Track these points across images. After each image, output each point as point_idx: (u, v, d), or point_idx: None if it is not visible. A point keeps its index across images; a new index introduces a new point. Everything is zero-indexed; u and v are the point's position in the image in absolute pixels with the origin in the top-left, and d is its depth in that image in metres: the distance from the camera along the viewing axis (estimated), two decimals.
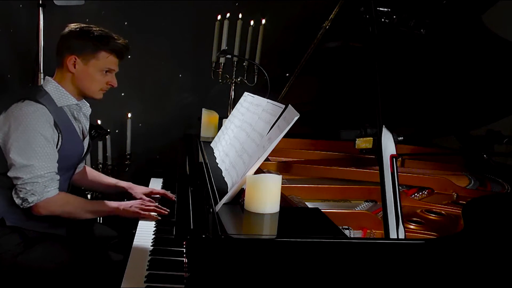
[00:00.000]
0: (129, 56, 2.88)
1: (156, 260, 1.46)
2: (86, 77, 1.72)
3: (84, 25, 1.73)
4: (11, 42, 2.90)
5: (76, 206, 1.72)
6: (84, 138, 1.85)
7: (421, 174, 1.91)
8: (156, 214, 1.76)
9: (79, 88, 1.75)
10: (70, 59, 1.70)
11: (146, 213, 1.75)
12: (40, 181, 1.60)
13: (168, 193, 2.00)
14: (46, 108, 1.64)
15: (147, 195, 1.98)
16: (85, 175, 2.05)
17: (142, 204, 1.78)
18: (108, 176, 2.17)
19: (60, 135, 1.68)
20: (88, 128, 1.90)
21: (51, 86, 1.73)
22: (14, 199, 1.61)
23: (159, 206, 1.80)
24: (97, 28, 1.72)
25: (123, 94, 3.00)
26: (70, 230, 1.76)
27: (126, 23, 2.92)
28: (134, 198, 1.95)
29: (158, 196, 2.00)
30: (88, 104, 1.87)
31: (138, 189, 2.01)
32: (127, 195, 2.02)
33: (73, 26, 1.73)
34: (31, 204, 1.60)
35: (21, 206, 1.61)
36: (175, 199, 1.95)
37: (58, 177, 1.67)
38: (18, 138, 1.59)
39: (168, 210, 1.79)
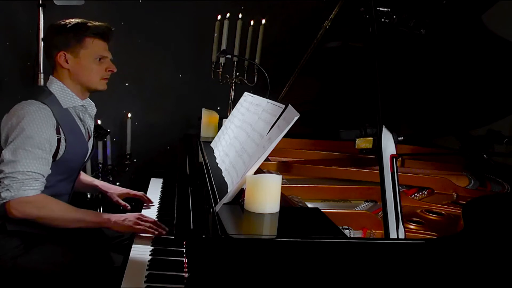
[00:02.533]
0: (130, 56, 2.93)
1: (156, 260, 1.46)
2: (82, 69, 1.71)
3: (60, 21, 1.72)
4: (11, 42, 2.91)
5: (55, 212, 1.59)
6: (89, 138, 1.84)
7: (421, 174, 1.91)
8: (155, 230, 1.61)
9: (80, 84, 1.73)
10: (59, 56, 1.69)
11: (141, 227, 1.59)
12: (19, 177, 1.53)
13: (145, 195, 1.98)
14: (50, 109, 1.63)
15: (122, 195, 1.97)
16: None
17: (138, 219, 1.62)
18: (85, 174, 2.14)
19: (64, 138, 1.66)
20: (92, 129, 1.88)
21: (56, 86, 1.71)
22: None
23: (158, 222, 1.64)
24: (73, 19, 1.72)
25: (123, 91, 3.00)
26: (70, 232, 1.75)
27: (126, 23, 2.92)
28: (109, 198, 1.96)
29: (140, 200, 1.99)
30: (94, 104, 1.85)
31: (113, 189, 1.99)
32: (103, 195, 2.04)
33: (50, 26, 1.73)
34: (4, 201, 1.52)
35: None
36: (152, 204, 1.95)
37: (43, 179, 1.59)
38: (15, 137, 1.57)
39: (167, 229, 1.62)
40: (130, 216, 1.63)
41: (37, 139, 1.58)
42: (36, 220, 1.57)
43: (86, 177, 2.09)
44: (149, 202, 1.98)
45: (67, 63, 1.70)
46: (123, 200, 2.03)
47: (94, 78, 1.73)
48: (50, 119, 1.62)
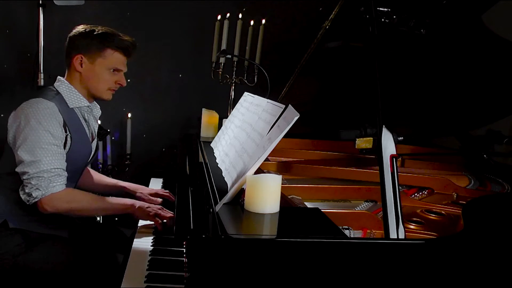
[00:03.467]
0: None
1: (156, 260, 1.46)
2: (93, 76, 1.72)
3: (90, 25, 1.74)
4: (11, 42, 2.90)
5: (84, 203, 1.68)
6: (92, 140, 1.84)
7: (421, 174, 1.91)
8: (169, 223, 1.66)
9: (87, 89, 1.75)
10: (76, 58, 1.71)
11: (158, 220, 1.65)
12: (45, 176, 1.58)
13: (171, 195, 1.99)
14: (57, 107, 1.64)
15: (152, 195, 1.96)
16: (88, 176, 2.04)
17: (160, 210, 1.69)
18: (108, 177, 2.16)
19: (70, 136, 1.67)
20: (96, 130, 1.89)
21: (63, 86, 1.73)
22: (21, 195, 1.60)
23: (174, 218, 1.67)
24: (103, 27, 1.73)
25: (123, 91, 2.98)
26: (72, 231, 1.76)
27: (126, 23, 2.92)
28: (140, 199, 1.93)
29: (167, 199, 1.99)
30: (99, 106, 1.87)
31: (141, 189, 1.99)
32: (128, 196, 2.00)
33: (80, 27, 1.74)
34: (36, 200, 1.58)
35: (27, 203, 1.59)
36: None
37: (65, 173, 1.65)
38: (27, 136, 1.58)
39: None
40: (154, 206, 1.70)
41: (50, 136, 1.60)
42: (67, 213, 1.64)
43: (109, 180, 2.09)
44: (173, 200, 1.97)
45: (81, 66, 1.72)
46: None
47: (102, 87, 1.74)
48: (58, 116, 1.64)
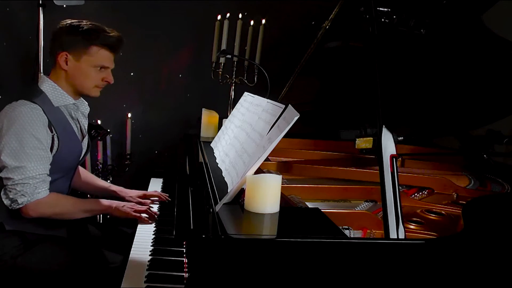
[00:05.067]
0: (130, 56, 2.93)
1: (156, 260, 1.46)
2: (79, 74, 1.68)
3: (75, 20, 1.69)
4: (11, 42, 2.90)
5: (67, 207, 1.69)
6: (83, 137, 1.82)
7: (421, 174, 1.91)
8: (147, 216, 1.76)
9: (74, 86, 1.71)
10: (61, 55, 1.66)
11: (137, 214, 1.75)
12: (31, 182, 1.57)
13: (162, 194, 1.99)
14: (41, 108, 1.61)
15: (140, 198, 1.97)
16: (78, 176, 2.01)
17: (134, 205, 1.80)
18: (100, 179, 2.14)
19: (56, 136, 1.65)
20: (87, 127, 1.87)
21: (47, 85, 1.69)
22: (3, 199, 1.59)
23: (149, 211, 1.79)
24: (88, 23, 1.68)
25: (123, 91, 2.99)
26: (70, 231, 1.75)
27: (126, 23, 2.92)
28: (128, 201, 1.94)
29: (156, 200, 1.99)
30: (86, 103, 1.84)
31: (130, 193, 1.99)
32: (118, 199, 1.99)
33: (63, 22, 1.69)
34: (21, 206, 1.57)
35: (10, 207, 1.58)
36: (169, 199, 1.97)
37: (49, 179, 1.64)
38: (11, 139, 1.56)
39: (158, 212, 1.81)
40: (128, 203, 1.81)
41: (34, 139, 1.58)
42: (50, 216, 1.65)
43: (102, 182, 2.08)
44: (166, 199, 1.99)
45: (67, 64, 1.67)
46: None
47: (88, 84, 1.71)
48: (42, 118, 1.61)
